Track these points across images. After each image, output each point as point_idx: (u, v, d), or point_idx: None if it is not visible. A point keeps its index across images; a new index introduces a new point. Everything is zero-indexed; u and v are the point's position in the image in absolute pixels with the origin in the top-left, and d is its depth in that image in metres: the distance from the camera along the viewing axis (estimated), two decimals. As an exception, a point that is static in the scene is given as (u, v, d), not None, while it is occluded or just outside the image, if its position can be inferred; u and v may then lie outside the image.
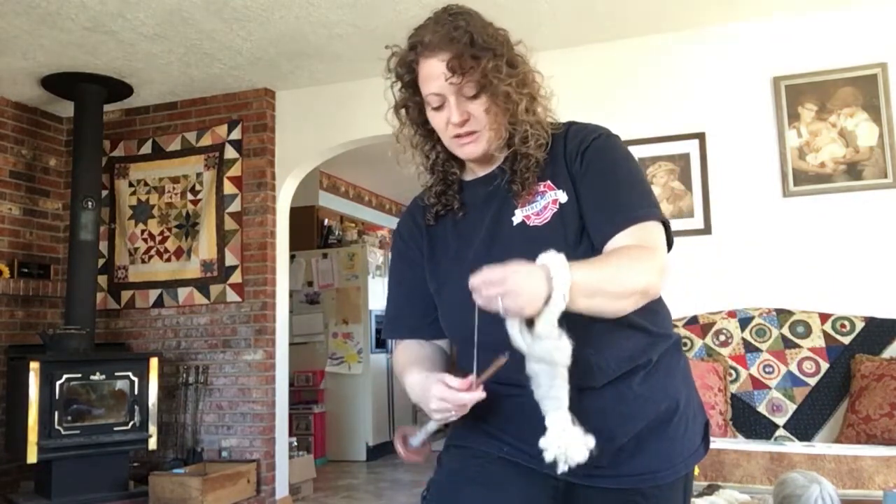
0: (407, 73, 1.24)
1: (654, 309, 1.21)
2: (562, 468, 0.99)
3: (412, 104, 1.27)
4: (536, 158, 1.21)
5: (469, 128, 1.20)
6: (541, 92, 1.25)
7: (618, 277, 1.07)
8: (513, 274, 0.98)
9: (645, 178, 1.24)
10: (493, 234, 1.21)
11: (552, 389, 0.99)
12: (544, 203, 1.19)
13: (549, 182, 1.20)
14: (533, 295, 0.98)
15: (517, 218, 1.20)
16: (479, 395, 1.06)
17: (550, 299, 0.98)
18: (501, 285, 0.97)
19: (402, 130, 1.32)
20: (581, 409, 1.11)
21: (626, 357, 1.16)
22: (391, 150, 1.34)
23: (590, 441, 0.99)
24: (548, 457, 0.99)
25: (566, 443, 0.98)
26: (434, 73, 1.18)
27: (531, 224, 1.19)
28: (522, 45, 1.24)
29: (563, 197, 1.18)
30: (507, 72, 1.18)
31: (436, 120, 1.23)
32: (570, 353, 0.99)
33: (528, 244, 1.13)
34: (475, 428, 1.23)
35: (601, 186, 1.17)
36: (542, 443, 0.99)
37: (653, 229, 1.15)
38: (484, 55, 1.16)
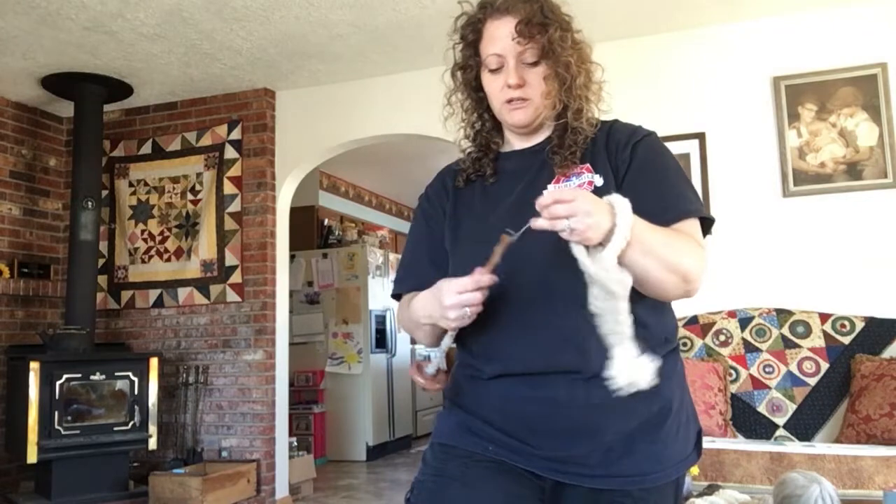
0: (472, 33, 1.27)
1: (663, 311, 1.23)
2: (627, 391, 1.02)
3: (471, 65, 1.28)
4: (586, 135, 1.23)
5: (523, 93, 1.22)
6: (595, 76, 1.29)
7: (674, 247, 1.10)
8: (582, 196, 1.01)
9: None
10: (521, 202, 1.19)
11: (617, 325, 1.02)
12: (579, 182, 1.20)
13: (587, 165, 1.22)
14: (600, 220, 1.00)
15: (549, 191, 1.22)
16: (492, 277, 1.08)
17: (613, 234, 1.01)
18: (572, 204, 0.99)
19: (454, 93, 1.34)
20: (573, 402, 1.13)
21: None
22: (443, 109, 1.36)
23: (654, 369, 1.02)
24: (615, 384, 1.01)
25: (634, 371, 1.01)
26: (500, 34, 1.21)
27: None
28: (582, 34, 1.28)
29: (599, 181, 1.19)
30: (571, 44, 1.22)
31: (491, 84, 1.25)
32: (629, 286, 1.02)
33: None
34: (460, 426, 1.23)
35: (655, 180, 1.20)
36: (610, 372, 1.02)
37: (699, 228, 1.19)
38: (552, 24, 1.21)
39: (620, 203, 1.03)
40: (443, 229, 1.31)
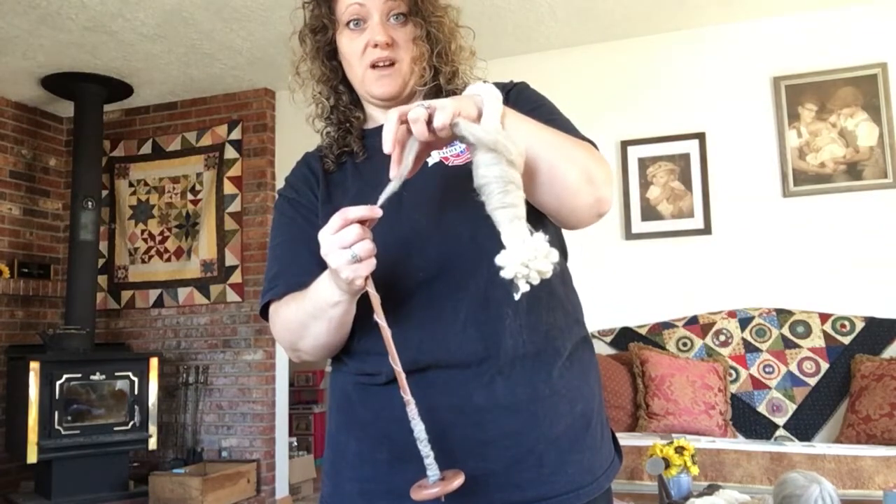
0: None
1: (571, 284, 1.10)
2: (523, 287, 0.82)
3: (326, 25, 1.09)
4: None
5: (392, 54, 1.06)
6: (466, 42, 1.13)
7: (565, 139, 0.95)
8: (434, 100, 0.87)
9: None
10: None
11: (507, 196, 0.84)
12: (465, 146, 1.09)
13: None
14: (461, 102, 0.86)
15: (433, 159, 1.04)
16: (366, 208, 0.87)
17: (483, 104, 0.88)
18: (418, 105, 0.85)
19: (303, 62, 1.14)
20: (488, 402, 0.97)
21: (543, 331, 0.99)
22: (290, 82, 1.16)
23: (553, 254, 0.82)
24: (507, 274, 0.81)
25: (528, 256, 0.81)
26: None
27: (450, 164, 1.04)
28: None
29: None
30: (438, 4, 1.09)
31: (351, 44, 1.07)
32: (522, 152, 0.86)
33: (445, 182, 1.00)
34: (363, 496, 1.02)
35: (537, 118, 1.07)
36: (500, 259, 0.82)
37: (595, 148, 1.05)
38: None
39: (482, 86, 0.92)
40: (317, 216, 1.09)
